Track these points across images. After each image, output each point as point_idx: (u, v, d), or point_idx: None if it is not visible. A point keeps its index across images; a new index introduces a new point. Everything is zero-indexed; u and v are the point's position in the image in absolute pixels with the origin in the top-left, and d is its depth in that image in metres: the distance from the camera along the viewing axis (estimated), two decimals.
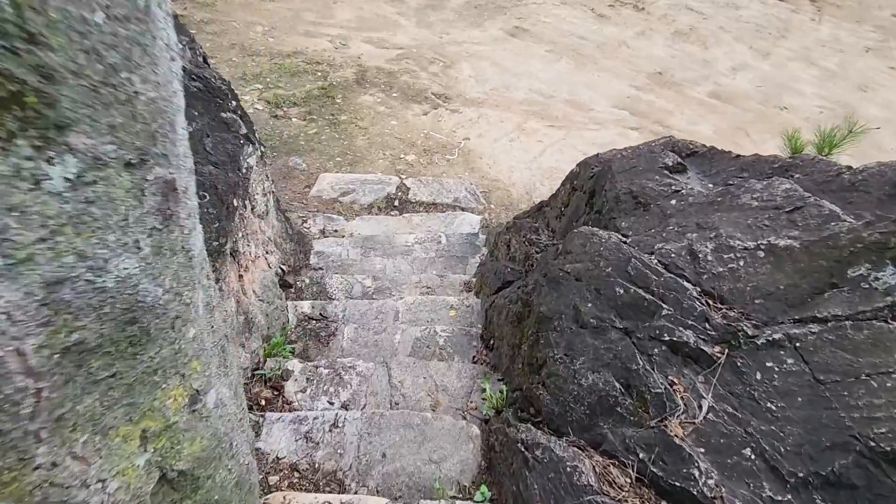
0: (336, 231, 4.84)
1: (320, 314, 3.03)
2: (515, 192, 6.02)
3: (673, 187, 2.34)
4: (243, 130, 2.22)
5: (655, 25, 10.71)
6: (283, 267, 3.11)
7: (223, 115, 2.06)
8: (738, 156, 2.37)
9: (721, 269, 1.82)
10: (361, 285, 3.44)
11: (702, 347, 1.62)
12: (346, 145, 6.37)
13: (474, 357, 2.69)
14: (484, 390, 2.30)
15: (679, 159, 2.47)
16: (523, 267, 3.03)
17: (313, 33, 9.12)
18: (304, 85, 7.46)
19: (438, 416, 2.04)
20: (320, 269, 3.84)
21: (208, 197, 1.75)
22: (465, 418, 2.23)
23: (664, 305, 1.74)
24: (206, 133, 1.93)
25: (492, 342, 2.77)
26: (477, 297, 3.40)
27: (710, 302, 1.76)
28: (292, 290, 3.34)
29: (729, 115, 8.07)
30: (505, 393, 2.27)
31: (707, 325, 1.67)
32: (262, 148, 2.71)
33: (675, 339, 1.65)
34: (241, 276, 2.08)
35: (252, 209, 2.64)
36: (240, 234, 1.99)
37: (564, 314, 1.96)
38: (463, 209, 5.38)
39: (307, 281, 3.42)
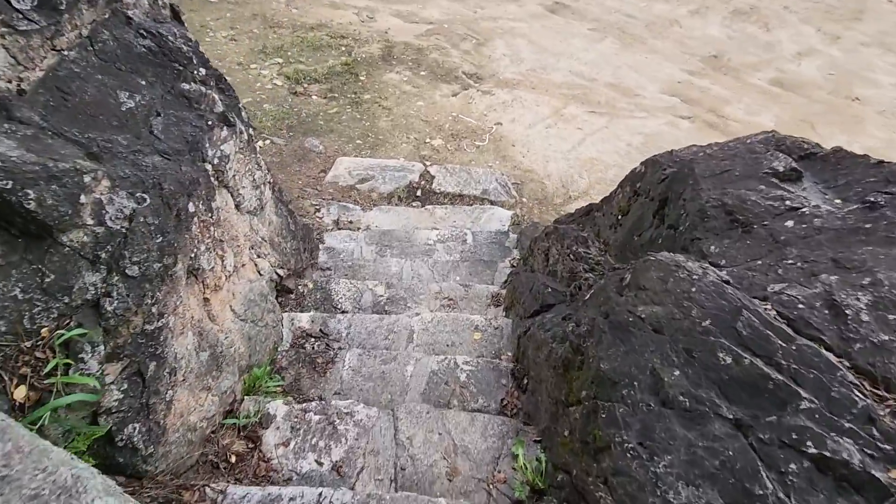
0: (351, 222, 4.33)
1: (320, 330, 2.52)
2: (551, 185, 5.39)
3: (787, 202, 1.71)
4: (218, 108, 1.70)
5: (711, 3, 9.71)
6: (279, 272, 2.61)
7: (184, 86, 1.53)
8: (881, 162, 1.73)
9: (885, 338, 1.22)
10: (373, 293, 2.92)
11: (870, 471, 1.03)
12: (368, 127, 5.82)
13: (503, 400, 2.15)
14: (516, 456, 1.77)
15: (792, 163, 1.84)
16: (568, 287, 2.45)
17: (339, 4, 8.51)
18: (327, 60, 6.89)
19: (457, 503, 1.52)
20: (328, 269, 3.33)
21: (148, 201, 1.24)
22: (490, 494, 1.70)
23: (801, 391, 1.16)
24: (154, 111, 1.42)
25: (526, 381, 2.22)
26: (507, 315, 2.84)
27: (873, 389, 1.16)
28: (292, 296, 2.84)
29: (793, 106, 7.18)
30: (544, 464, 1.73)
31: (874, 432, 1.08)
32: (251, 130, 2.18)
33: (824, 452, 1.07)
34: (206, 300, 1.58)
35: (238, 206, 2.12)
36: (202, 247, 1.49)
37: (637, 380, 1.39)
38: (492, 202, 4.79)
39: (310, 286, 2.92)
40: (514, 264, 3.51)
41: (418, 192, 4.79)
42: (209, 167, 1.68)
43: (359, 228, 4.28)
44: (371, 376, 2.17)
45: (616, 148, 6.07)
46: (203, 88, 1.61)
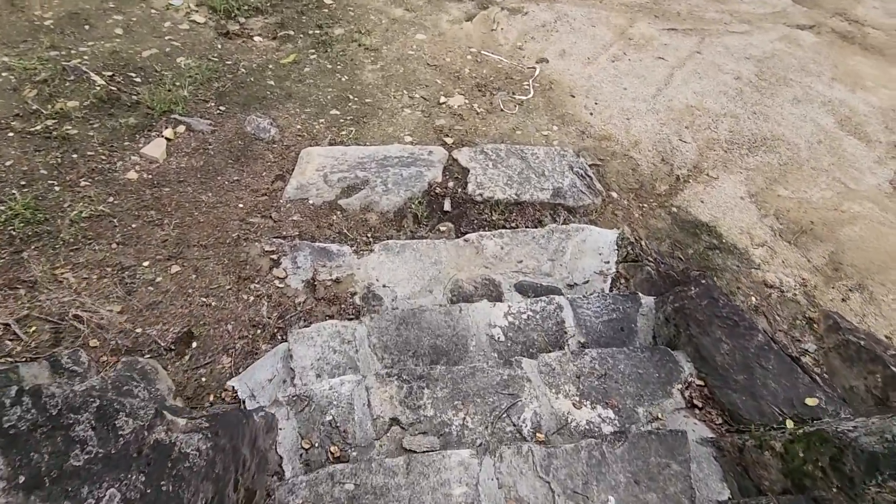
0: (338, 282, 2.34)
1: None
2: (644, 161, 3.33)
3: None
4: None
5: None
6: None
7: None
8: None
9: None
10: None
11: None
12: (347, 84, 3.59)
13: None
14: None
15: None
16: None
17: None
18: None
19: None
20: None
21: None
22: None
23: None
24: None
25: None
26: None
27: None
28: None
29: None
30: None
31: None
32: None
33: None
34: None
35: None
36: None
37: None
38: (571, 210, 2.76)
39: None
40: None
41: (446, 205, 2.73)
42: None
43: (353, 296, 2.28)
44: None
45: (720, 85, 3.92)
46: None
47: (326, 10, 4.21)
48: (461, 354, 1.90)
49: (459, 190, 2.78)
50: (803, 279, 2.85)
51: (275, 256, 2.39)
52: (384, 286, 2.32)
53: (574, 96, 3.71)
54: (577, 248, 2.45)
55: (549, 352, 1.84)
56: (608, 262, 2.41)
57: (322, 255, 2.40)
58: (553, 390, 1.61)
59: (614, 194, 3.03)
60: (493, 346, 1.93)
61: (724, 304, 1.77)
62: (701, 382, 1.62)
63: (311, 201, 2.66)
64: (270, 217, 2.58)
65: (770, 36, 4.43)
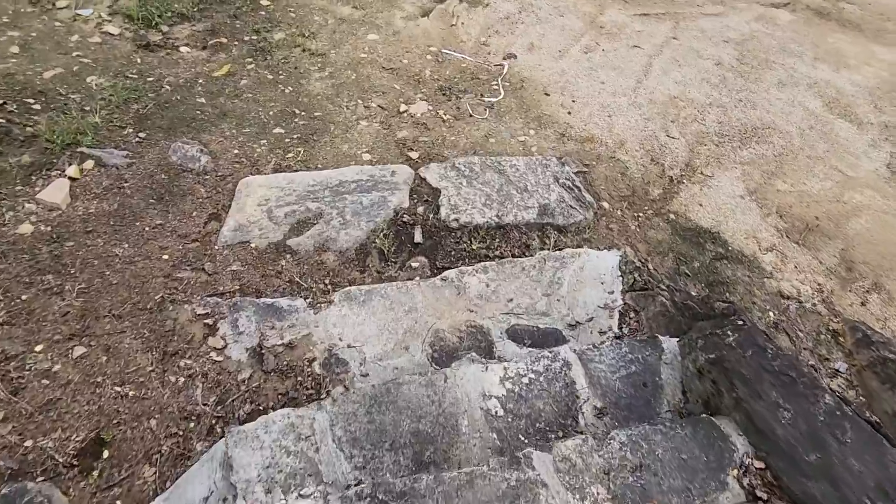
0: (291, 346, 1.88)
1: None
2: (633, 163, 2.97)
3: None
4: None
5: None
6: None
7: None
8: None
9: None
10: None
11: None
12: (291, 96, 3.11)
13: None
14: None
15: None
16: None
17: None
18: None
19: None
20: None
21: None
22: None
23: None
24: None
25: None
26: None
27: None
28: None
29: None
30: None
31: None
32: None
33: None
34: None
35: None
36: None
37: None
38: (561, 230, 2.38)
39: None
40: None
41: (417, 236, 2.30)
42: None
43: (311, 363, 1.83)
44: None
45: (702, 72, 3.61)
46: None
47: (263, 13, 3.70)
48: (451, 439, 1.49)
49: (431, 216, 2.36)
50: (819, 285, 2.56)
51: (210, 321, 1.91)
52: (349, 346, 1.88)
53: (549, 94, 3.33)
54: (574, 279, 2.07)
55: (562, 427, 1.45)
56: (612, 293, 2.04)
57: (270, 314, 1.94)
58: (577, 496, 1.22)
59: (606, 205, 2.66)
60: (489, 423, 1.52)
61: (773, 355, 1.41)
62: (761, 464, 1.27)
63: (253, 244, 2.19)
64: (203, 269, 2.09)
65: (746, 16, 4.16)
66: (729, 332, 1.48)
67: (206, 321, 1.91)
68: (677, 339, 1.68)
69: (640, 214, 2.68)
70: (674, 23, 4.01)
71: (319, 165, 2.64)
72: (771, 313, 2.38)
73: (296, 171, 2.57)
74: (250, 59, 3.32)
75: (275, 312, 1.94)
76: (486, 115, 3.12)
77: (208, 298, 1.98)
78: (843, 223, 2.90)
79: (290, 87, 3.15)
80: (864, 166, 3.23)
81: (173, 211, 2.31)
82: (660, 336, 1.73)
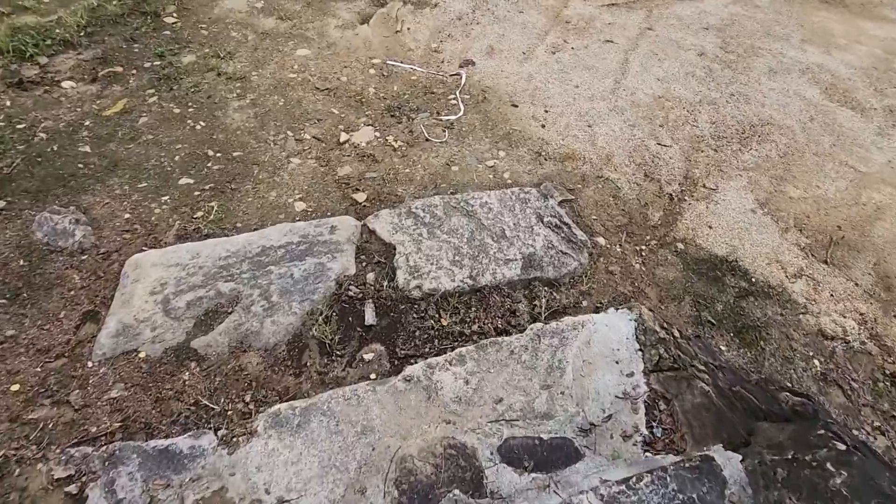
0: None
1: None
2: (624, 181, 2.49)
3: None
4: None
5: None
6: None
7: None
8: None
9: None
10: None
11: None
12: (204, 133, 2.49)
13: None
14: None
15: None
16: None
17: None
18: None
19: None
20: None
21: None
22: None
23: None
24: None
25: None
26: None
27: None
28: None
29: None
30: None
31: None
32: None
33: None
34: None
35: None
36: None
37: None
38: (553, 283, 1.86)
39: None
40: None
41: (368, 315, 1.74)
42: None
43: None
44: None
45: (685, 65, 3.16)
46: None
47: (168, 32, 3.06)
48: None
49: (385, 284, 1.80)
50: (861, 315, 2.13)
51: (74, 487, 1.31)
52: (282, 503, 1.31)
53: (517, 105, 2.81)
54: (580, 360, 1.55)
55: None
56: (632, 374, 1.53)
57: (163, 465, 1.35)
58: None
59: (601, 240, 2.16)
60: None
61: None
62: None
63: (143, 353, 1.59)
64: (69, 402, 1.48)
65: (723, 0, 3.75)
66: (830, 467, 0.99)
67: (67, 488, 1.31)
68: (739, 457, 1.18)
69: (643, 247, 2.19)
70: (646, 12, 3.56)
71: (239, 224, 2.05)
72: (816, 361, 1.92)
73: (206, 236, 1.97)
74: (152, 91, 2.69)
75: (170, 461, 1.36)
76: (446, 137, 2.58)
77: (73, 450, 1.37)
78: (868, 230, 2.49)
79: (202, 122, 2.54)
80: (875, 159, 2.83)
81: (32, 314, 1.69)
82: (712, 452, 1.23)
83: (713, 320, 1.96)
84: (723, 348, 1.86)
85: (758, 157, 2.71)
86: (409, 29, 3.23)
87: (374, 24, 3.26)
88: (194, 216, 2.07)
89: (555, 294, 1.84)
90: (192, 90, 2.71)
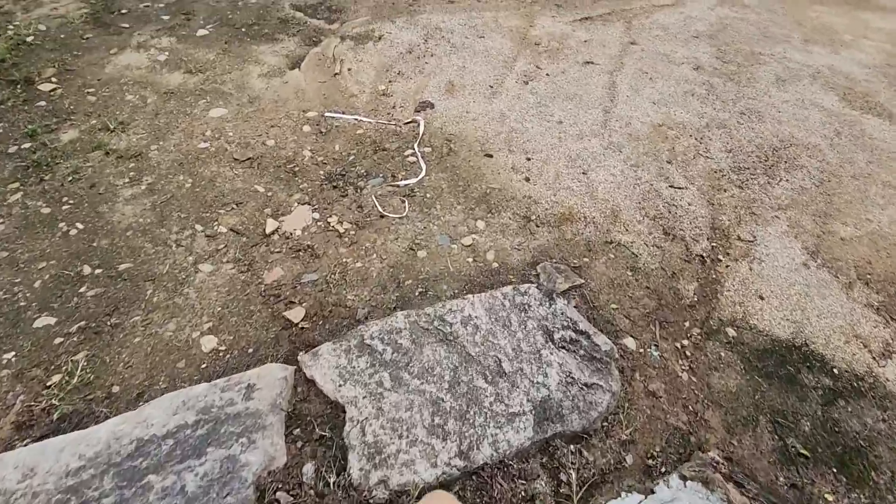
0: None
1: None
2: (641, 245, 1.92)
3: None
4: None
5: None
6: None
7: None
8: None
9: None
10: None
11: None
12: (80, 239, 1.82)
13: None
14: None
15: None
16: None
17: None
18: None
19: None
20: None
21: None
22: None
23: None
24: None
25: None
26: None
27: None
28: None
29: None
30: None
31: None
32: None
33: None
34: None
35: None
36: None
37: None
38: (581, 439, 1.26)
39: None
40: None
41: None
42: None
43: None
44: None
45: (681, 83, 2.66)
46: None
47: (44, 103, 2.40)
48: None
49: (332, 480, 1.17)
50: None
51: None
52: None
53: (491, 155, 2.24)
54: None
55: None
56: None
57: None
58: None
59: (630, 342, 1.57)
60: None
61: None
62: None
63: None
64: None
65: (707, 2, 3.28)
66: None
67: None
68: None
69: (686, 342, 1.61)
70: (625, 24, 3.06)
71: (116, 388, 1.40)
72: None
73: (59, 420, 1.31)
74: (15, 185, 2.03)
75: None
76: (406, 209, 1.98)
77: None
78: None
79: (78, 225, 1.88)
80: None
81: None
82: None
83: (806, 449, 1.39)
84: (829, 498, 1.29)
85: (791, 191, 2.19)
86: (350, 70, 2.65)
87: (307, 67, 2.67)
88: (48, 383, 1.41)
89: (585, 454, 1.24)
90: (71, 179, 2.05)
